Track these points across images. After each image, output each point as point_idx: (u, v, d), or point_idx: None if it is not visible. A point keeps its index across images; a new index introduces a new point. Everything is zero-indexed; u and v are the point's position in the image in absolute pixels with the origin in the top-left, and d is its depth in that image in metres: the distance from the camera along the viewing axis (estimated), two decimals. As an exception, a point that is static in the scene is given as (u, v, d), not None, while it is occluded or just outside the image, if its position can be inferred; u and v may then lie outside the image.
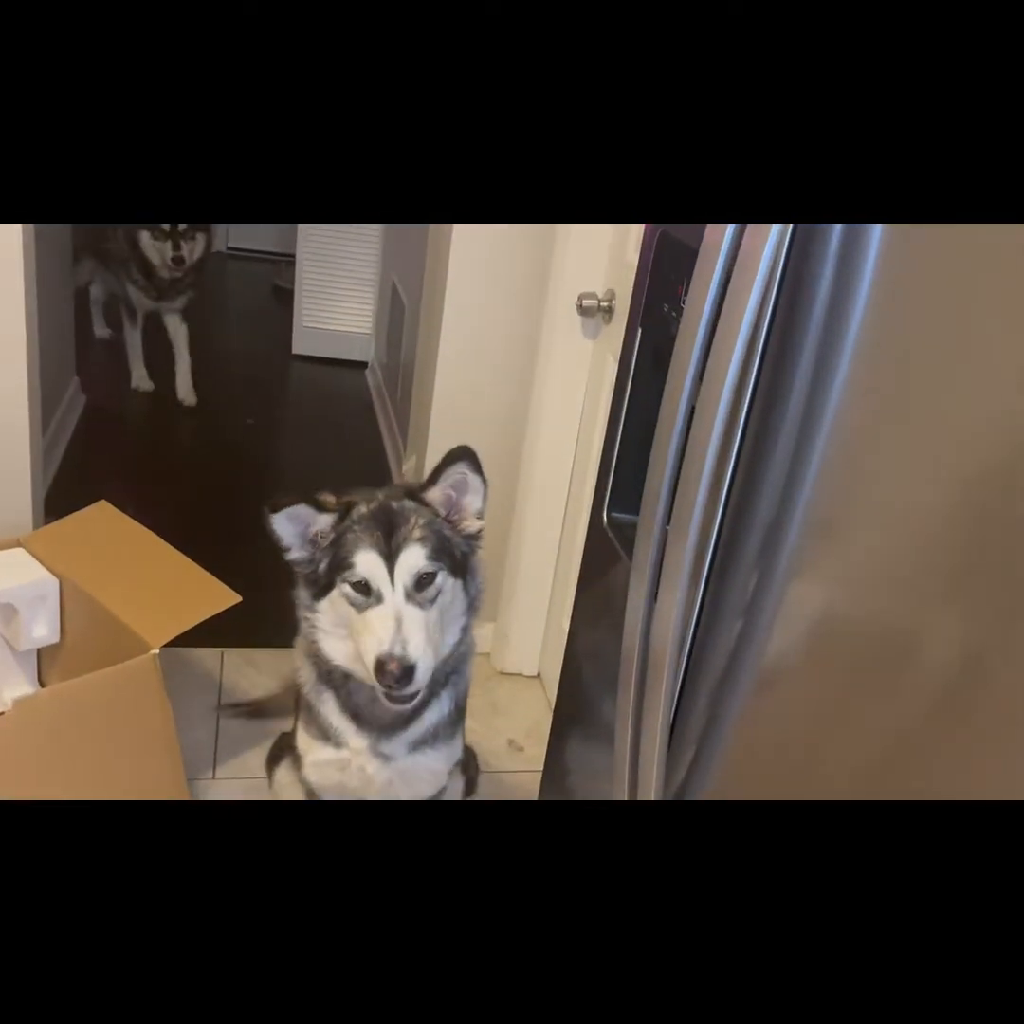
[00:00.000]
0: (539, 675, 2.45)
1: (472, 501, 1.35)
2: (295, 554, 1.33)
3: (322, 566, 1.32)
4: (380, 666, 1.23)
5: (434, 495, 1.34)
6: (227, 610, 1.73)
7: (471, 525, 1.36)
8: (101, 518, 2.01)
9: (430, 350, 2.39)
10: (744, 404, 0.92)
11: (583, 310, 2.02)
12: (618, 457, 1.35)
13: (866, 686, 0.82)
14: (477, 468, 1.33)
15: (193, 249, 3.55)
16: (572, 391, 2.16)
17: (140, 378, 3.80)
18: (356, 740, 1.44)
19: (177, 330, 3.73)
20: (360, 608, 1.28)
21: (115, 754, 1.68)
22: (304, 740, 1.51)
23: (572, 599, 1.59)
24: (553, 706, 1.69)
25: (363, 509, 1.31)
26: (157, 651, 1.63)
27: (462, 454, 1.32)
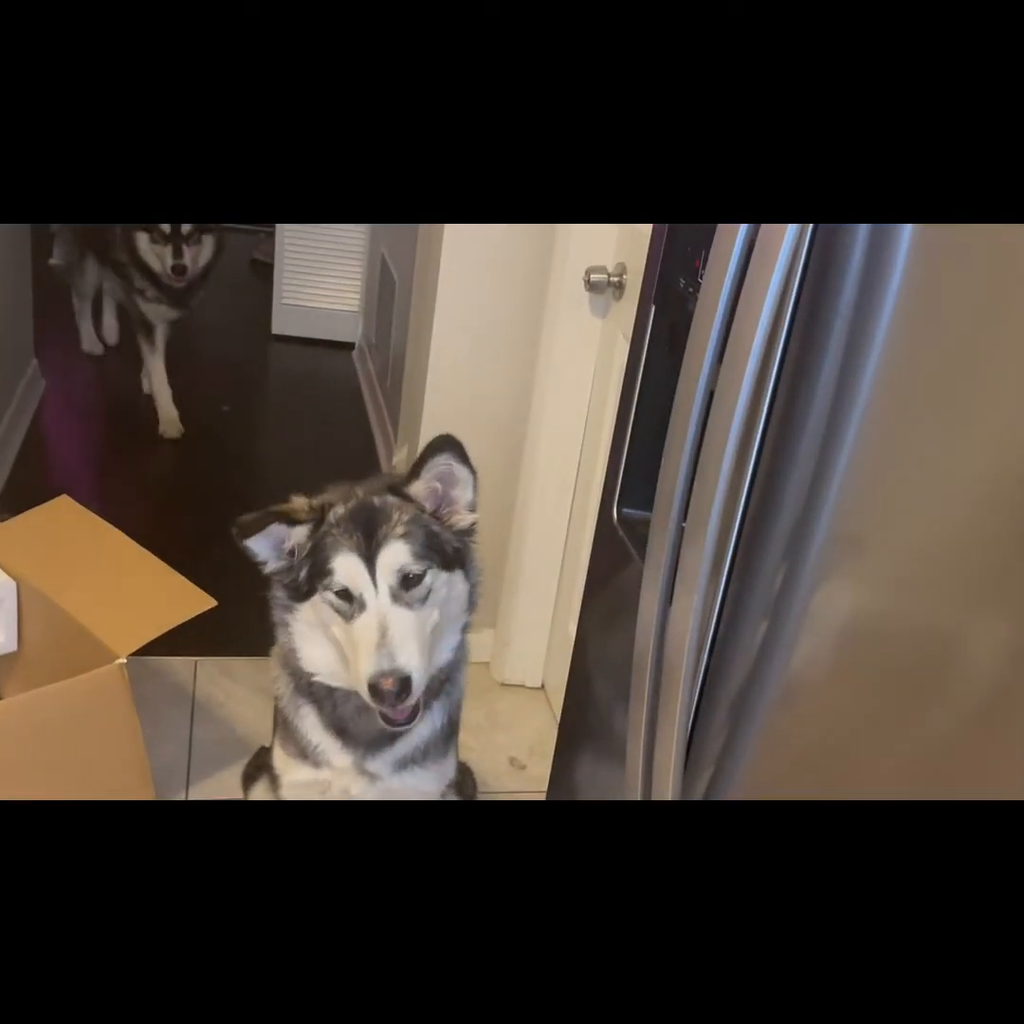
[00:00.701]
0: (543, 686, 2.45)
1: (461, 494, 1.35)
2: (273, 566, 1.34)
3: (302, 574, 1.32)
4: (374, 690, 1.24)
5: (418, 489, 1.33)
6: (201, 616, 1.73)
7: (462, 520, 1.36)
8: (63, 514, 2.00)
9: (423, 330, 2.39)
10: (767, 389, 0.92)
11: (591, 286, 2.01)
12: (630, 447, 1.35)
13: (900, 695, 0.82)
14: (463, 458, 1.32)
15: (198, 255, 3.30)
16: (579, 375, 2.16)
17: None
18: (339, 758, 1.44)
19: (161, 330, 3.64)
20: (346, 617, 1.29)
21: (78, 773, 1.68)
22: (281, 758, 1.51)
23: (579, 603, 1.59)
24: (559, 720, 1.69)
25: (341, 510, 1.31)
26: (124, 660, 1.63)
27: (444, 444, 1.31)
